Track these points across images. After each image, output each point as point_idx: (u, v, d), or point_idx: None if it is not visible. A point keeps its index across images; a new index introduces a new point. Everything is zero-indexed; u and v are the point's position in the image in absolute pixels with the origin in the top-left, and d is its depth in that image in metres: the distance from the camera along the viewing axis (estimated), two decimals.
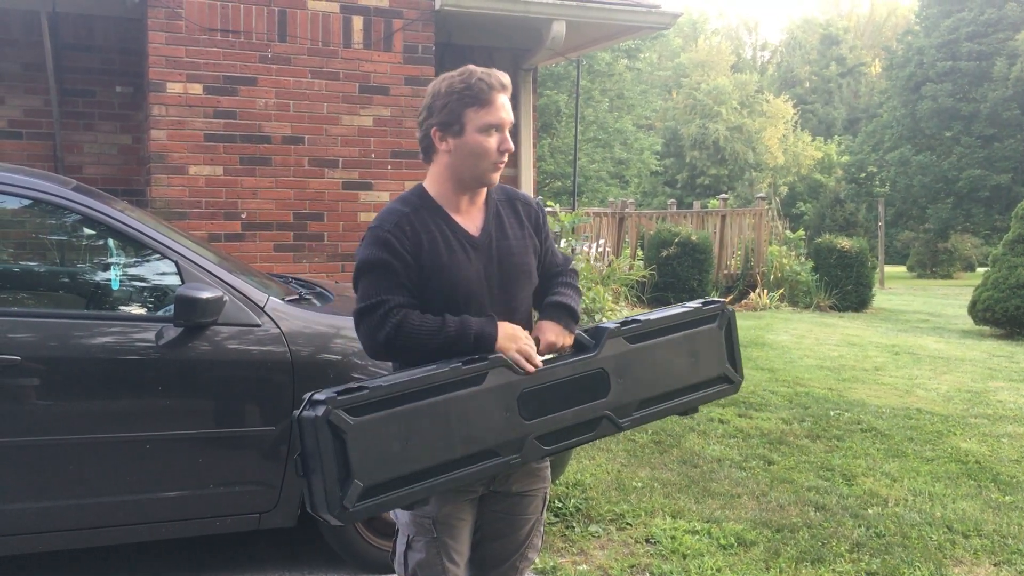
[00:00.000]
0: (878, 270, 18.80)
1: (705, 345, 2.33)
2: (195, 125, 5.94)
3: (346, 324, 3.62)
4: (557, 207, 9.41)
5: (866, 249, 14.36)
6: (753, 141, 43.36)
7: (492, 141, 2.08)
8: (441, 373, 1.96)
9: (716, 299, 2.42)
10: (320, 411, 1.83)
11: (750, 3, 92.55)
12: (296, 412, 1.90)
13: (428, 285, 2.07)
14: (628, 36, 8.42)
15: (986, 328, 11.55)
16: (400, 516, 2.16)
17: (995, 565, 3.77)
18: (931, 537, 4.01)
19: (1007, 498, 4.60)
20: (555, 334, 2.17)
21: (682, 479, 4.70)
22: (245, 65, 6.04)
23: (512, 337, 2.06)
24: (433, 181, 2.16)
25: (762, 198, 16.22)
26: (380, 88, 6.36)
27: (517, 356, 2.05)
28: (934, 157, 34.60)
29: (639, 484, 4.60)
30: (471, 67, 2.11)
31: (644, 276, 11.77)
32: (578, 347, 2.19)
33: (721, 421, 5.89)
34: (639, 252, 14.46)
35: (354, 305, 2.09)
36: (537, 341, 2.14)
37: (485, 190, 2.20)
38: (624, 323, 2.23)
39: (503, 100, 2.10)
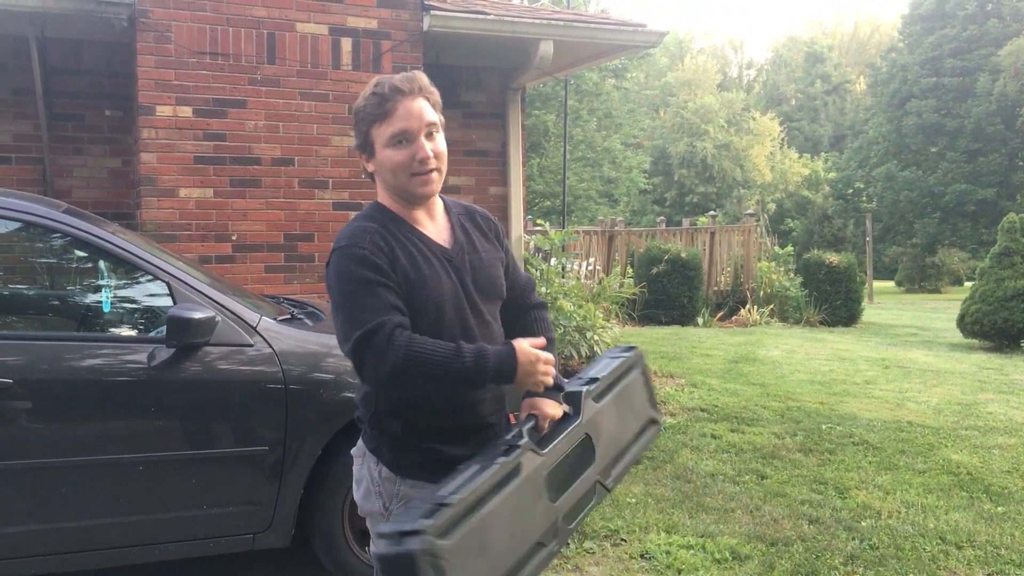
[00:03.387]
0: (866, 285, 18.90)
1: (635, 393, 2.27)
2: (185, 148, 5.95)
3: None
4: (547, 225, 9.44)
5: (854, 264, 14.44)
6: (740, 159, 43.62)
7: (403, 153, 1.92)
8: (494, 471, 1.81)
9: (629, 345, 2.36)
10: (416, 544, 1.62)
11: (735, 22, 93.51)
12: (377, 550, 1.71)
13: (407, 303, 1.92)
14: (615, 55, 8.49)
15: (975, 341, 11.61)
16: None
17: None
18: (924, 549, 4.02)
19: (999, 509, 4.61)
20: (553, 407, 2.03)
21: (676, 494, 4.71)
22: (234, 87, 6.06)
23: (532, 361, 1.90)
24: (383, 197, 2.04)
25: (750, 215, 16.30)
26: None
27: (545, 378, 1.92)
28: (920, 172, 34.89)
29: (633, 500, 4.60)
30: (376, 79, 1.97)
31: (634, 294, 11.81)
32: (562, 415, 2.07)
33: (714, 436, 5.90)
34: (629, 270, 14.51)
35: (342, 337, 1.88)
36: (530, 416, 2.02)
37: (439, 203, 2.08)
38: (589, 382, 2.11)
39: (408, 106, 1.92)
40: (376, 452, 2.03)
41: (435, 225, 2.04)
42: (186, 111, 5.94)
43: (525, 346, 1.91)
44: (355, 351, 1.84)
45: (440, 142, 1.98)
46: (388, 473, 2.00)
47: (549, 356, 1.94)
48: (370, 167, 2.01)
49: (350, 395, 3.43)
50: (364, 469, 2.05)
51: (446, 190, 6.72)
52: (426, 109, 1.95)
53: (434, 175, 1.97)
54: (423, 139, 1.94)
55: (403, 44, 6.44)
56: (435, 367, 1.82)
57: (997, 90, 32.59)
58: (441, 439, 1.99)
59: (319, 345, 3.53)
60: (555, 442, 1.96)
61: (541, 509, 1.89)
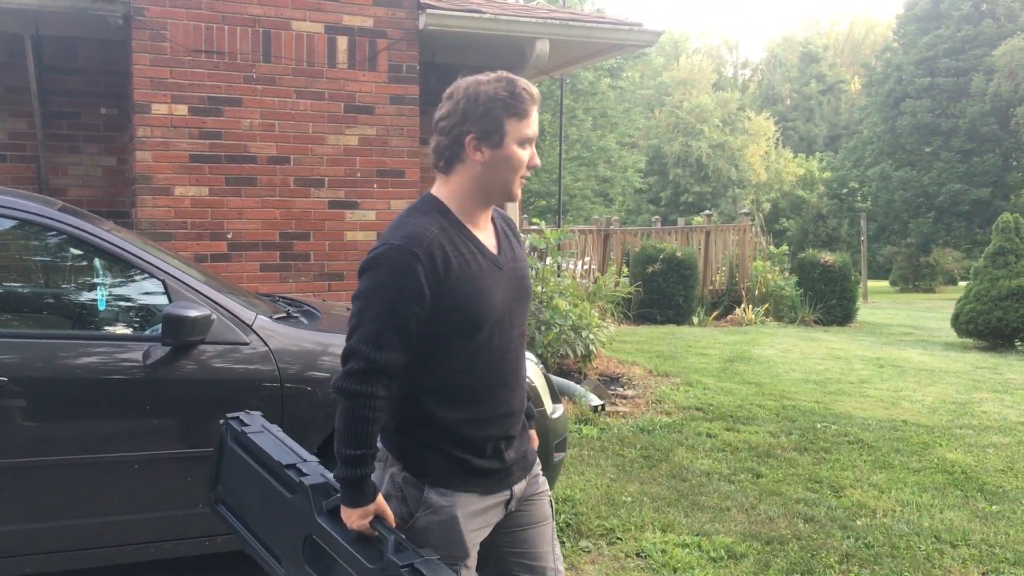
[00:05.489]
0: (861, 284, 18.93)
1: None
2: (180, 146, 5.94)
3: (334, 341, 3.62)
4: (542, 225, 9.44)
5: (849, 264, 14.46)
6: (736, 158, 43.65)
7: (525, 155, 1.97)
8: (271, 459, 2.09)
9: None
10: (223, 422, 2.31)
11: (731, 22, 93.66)
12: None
13: (456, 313, 1.90)
14: (611, 54, 8.49)
15: (969, 340, 11.64)
16: None
17: (983, 574, 3.79)
18: (919, 547, 4.03)
19: (994, 507, 4.63)
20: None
21: (671, 493, 4.71)
22: (230, 86, 6.04)
23: (358, 519, 1.88)
24: (453, 193, 1.98)
25: (745, 214, 16.32)
26: (365, 108, 6.38)
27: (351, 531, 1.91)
28: (914, 172, 34.97)
29: (629, 499, 4.60)
30: (509, 74, 1.98)
31: (630, 292, 11.82)
32: (375, 545, 1.89)
33: (709, 435, 5.90)
34: (624, 269, 14.52)
35: (351, 329, 1.89)
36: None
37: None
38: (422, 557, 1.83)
39: (536, 114, 2.00)
40: (402, 459, 2.01)
41: (486, 231, 2.04)
42: (181, 109, 5.93)
43: (376, 509, 1.91)
44: (347, 354, 1.88)
45: None
46: (412, 479, 1.99)
47: (386, 513, 1.93)
48: (478, 156, 1.94)
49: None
50: (385, 475, 2.02)
51: None
52: None
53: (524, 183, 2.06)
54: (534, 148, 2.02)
55: (399, 43, 6.43)
56: (348, 425, 1.88)
57: (991, 90, 32.65)
58: (469, 449, 1.98)
59: (315, 343, 3.53)
60: (346, 547, 1.89)
61: (292, 543, 2.01)
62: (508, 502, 2.07)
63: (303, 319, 3.85)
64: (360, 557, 1.84)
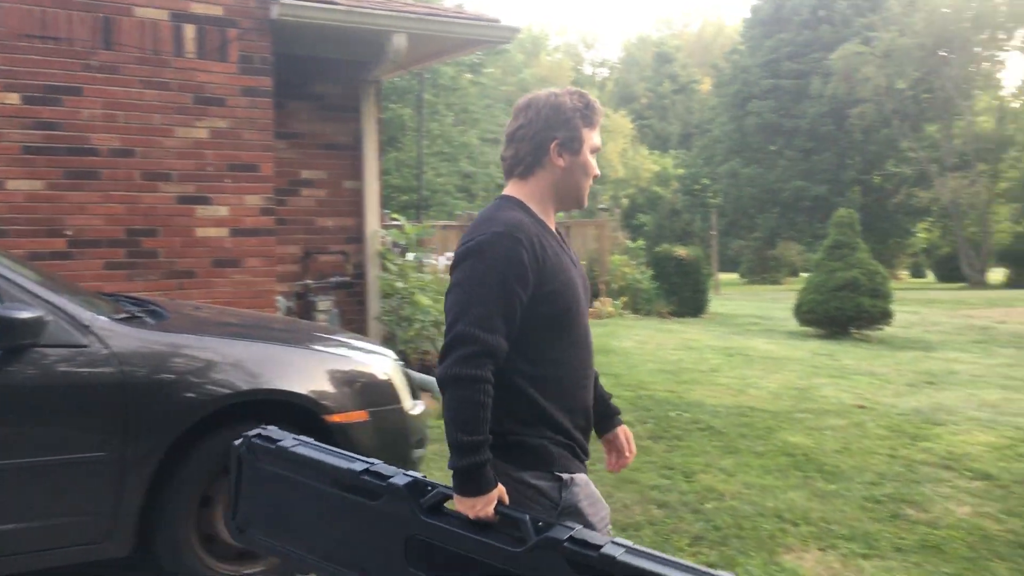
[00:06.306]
0: (713, 277, 19.72)
1: None
2: (12, 137, 5.57)
3: (183, 342, 3.49)
4: (403, 220, 9.39)
5: (702, 257, 15.06)
6: None
7: (594, 164, 2.12)
8: (340, 470, 1.89)
9: None
10: (240, 443, 2.04)
11: (589, 20, 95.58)
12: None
13: (552, 299, 1.96)
14: (469, 49, 8.52)
15: (809, 329, 12.33)
16: None
17: (821, 550, 4.02)
18: (764, 527, 4.23)
19: (831, 486, 4.91)
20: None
21: None
22: (68, 74, 5.71)
23: (489, 502, 1.82)
24: (531, 194, 2.08)
25: (604, 209, 16.73)
26: (216, 99, 6.16)
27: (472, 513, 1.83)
28: (761, 170, 36.72)
29: None
30: (580, 89, 2.12)
31: None
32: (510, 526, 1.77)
33: None
34: None
35: (456, 315, 1.86)
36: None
37: None
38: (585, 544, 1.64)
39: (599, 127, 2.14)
40: (519, 460, 1.99)
41: (554, 233, 2.12)
42: (13, 98, 5.56)
43: (498, 495, 1.85)
44: (456, 340, 1.86)
45: None
46: (539, 473, 2.01)
47: (504, 497, 1.87)
48: (560, 161, 2.06)
49: (193, 395, 3.31)
50: (507, 487, 1.92)
51: (299, 184, 6.60)
52: None
53: None
54: None
55: (250, 32, 6.23)
56: (465, 411, 1.84)
57: (829, 92, 34.65)
58: (570, 437, 2.09)
59: (162, 345, 3.39)
60: (468, 535, 1.75)
61: (383, 553, 1.82)
62: None
63: (149, 319, 3.68)
64: (499, 544, 1.72)
